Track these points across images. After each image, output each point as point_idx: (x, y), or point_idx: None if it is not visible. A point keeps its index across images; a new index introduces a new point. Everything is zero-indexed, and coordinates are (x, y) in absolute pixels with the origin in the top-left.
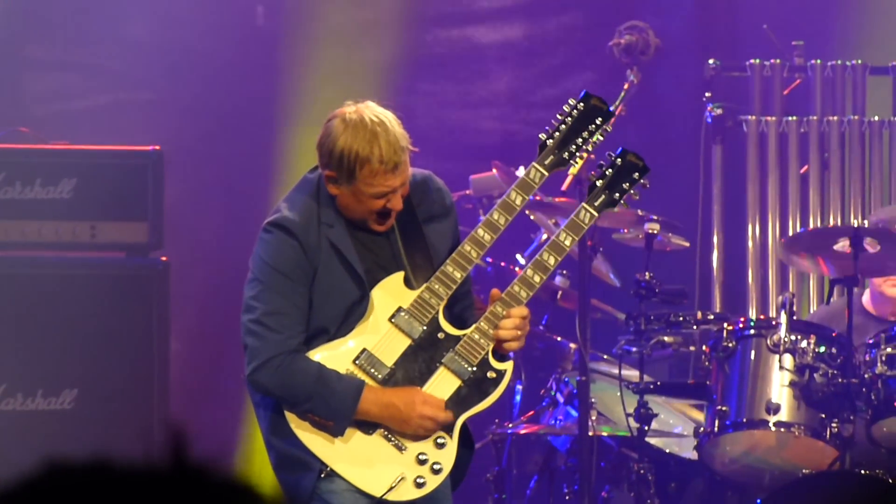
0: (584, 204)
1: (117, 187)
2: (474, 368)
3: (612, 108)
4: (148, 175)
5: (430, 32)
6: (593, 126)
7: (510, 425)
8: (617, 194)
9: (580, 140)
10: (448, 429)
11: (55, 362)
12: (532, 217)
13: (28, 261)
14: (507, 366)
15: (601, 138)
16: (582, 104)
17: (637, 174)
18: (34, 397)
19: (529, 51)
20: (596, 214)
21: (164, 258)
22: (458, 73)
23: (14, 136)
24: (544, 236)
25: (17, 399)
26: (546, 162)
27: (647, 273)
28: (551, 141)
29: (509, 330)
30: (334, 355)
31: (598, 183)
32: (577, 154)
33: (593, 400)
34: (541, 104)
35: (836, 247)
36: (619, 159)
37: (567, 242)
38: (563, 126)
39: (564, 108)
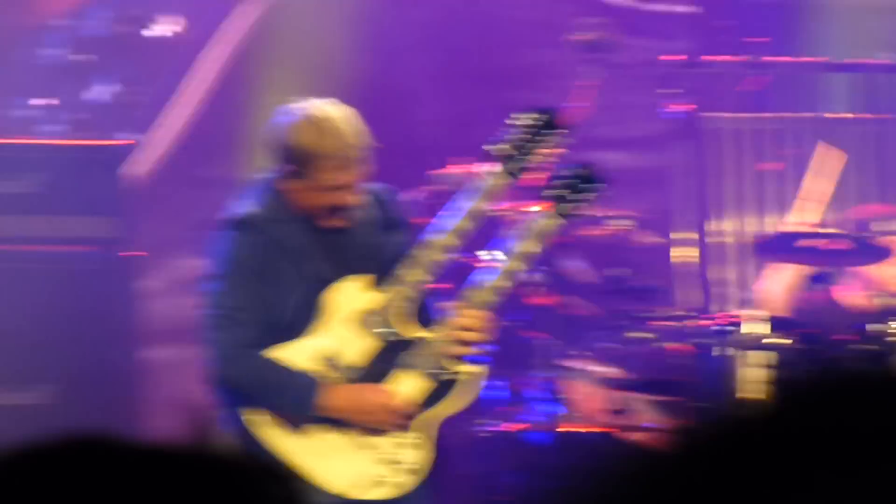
0: (539, 211)
1: (87, 181)
2: (438, 370)
3: (562, 123)
4: (119, 169)
5: None
6: (547, 137)
7: (486, 423)
8: (571, 205)
9: (534, 150)
10: (419, 429)
11: (25, 357)
12: (497, 212)
13: None
14: (471, 367)
15: (556, 150)
16: (535, 116)
17: (593, 184)
18: (3, 391)
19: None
20: (552, 223)
21: (134, 253)
22: None
23: None
24: (513, 232)
25: None
26: (502, 169)
27: (621, 269)
28: (503, 150)
29: (468, 332)
30: (295, 354)
31: (553, 192)
32: (531, 163)
33: (569, 396)
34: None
35: None
36: (576, 170)
37: (525, 248)
38: (518, 136)
39: (517, 119)
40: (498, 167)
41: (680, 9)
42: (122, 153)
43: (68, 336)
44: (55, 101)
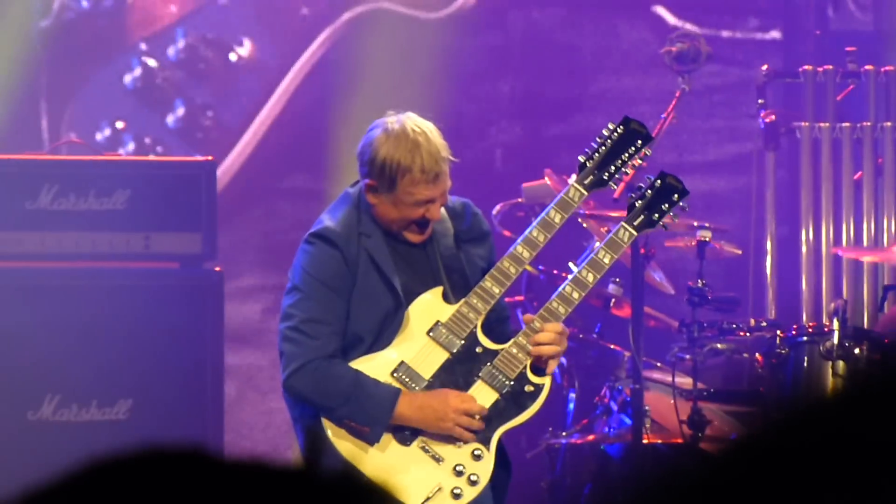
0: (623, 223)
1: (170, 198)
2: (512, 382)
3: (651, 133)
4: (201, 185)
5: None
6: (633, 149)
7: (564, 434)
8: (656, 215)
9: (619, 162)
10: (485, 441)
11: (110, 373)
12: (585, 225)
13: (82, 272)
14: (545, 380)
15: (641, 162)
16: (621, 128)
17: (676, 196)
18: (89, 408)
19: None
20: (635, 234)
21: (217, 268)
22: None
23: (67, 147)
24: (597, 244)
25: (71, 410)
26: (585, 182)
27: (699, 280)
28: (590, 162)
29: (545, 346)
30: (372, 366)
31: (638, 204)
32: (617, 175)
33: (647, 407)
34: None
35: None
36: (658, 181)
37: (606, 260)
38: (602, 148)
39: (604, 131)
40: (583, 178)
41: (763, 35)
42: (204, 170)
43: (151, 352)
44: (139, 122)
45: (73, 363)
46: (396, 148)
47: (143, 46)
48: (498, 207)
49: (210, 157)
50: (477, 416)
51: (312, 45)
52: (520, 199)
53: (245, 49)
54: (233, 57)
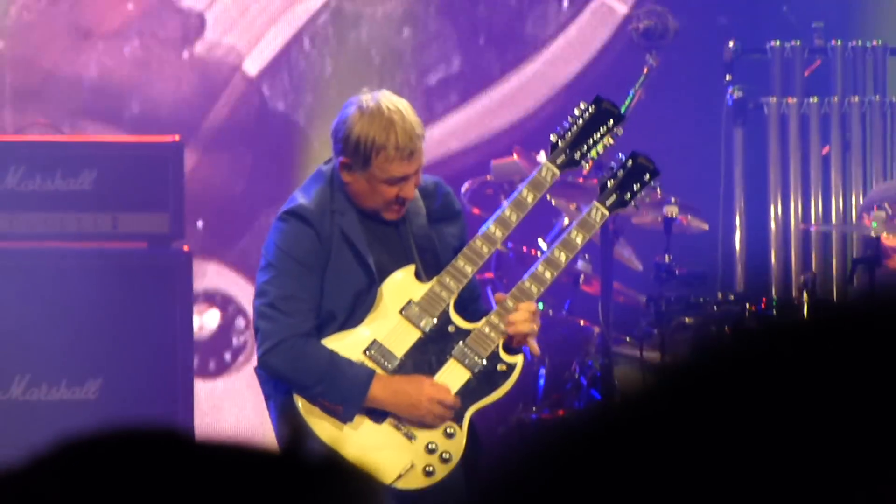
0: (595, 203)
1: (138, 178)
2: (484, 361)
3: (622, 112)
4: (168, 165)
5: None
6: (604, 128)
7: (534, 409)
8: (627, 195)
9: (591, 141)
10: (457, 419)
11: (79, 352)
12: (553, 202)
13: (50, 252)
14: (518, 359)
15: (612, 141)
16: (593, 107)
17: (647, 176)
18: (58, 387)
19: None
20: (607, 214)
21: (185, 248)
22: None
23: (33, 127)
24: (566, 221)
25: (41, 389)
26: (557, 161)
27: (666, 255)
28: (562, 141)
29: (518, 324)
30: (345, 345)
31: (609, 183)
32: (588, 154)
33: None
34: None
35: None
36: (629, 161)
37: (578, 240)
38: (574, 127)
39: (575, 110)
40: (555, 157)
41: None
42: (171, 150)
43: (120, 332)
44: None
45: (42, 343)
46: (371, 125)
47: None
48: (466, 185)
49: (177, 137)
50: (452, 405)
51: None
52: (488, 177)
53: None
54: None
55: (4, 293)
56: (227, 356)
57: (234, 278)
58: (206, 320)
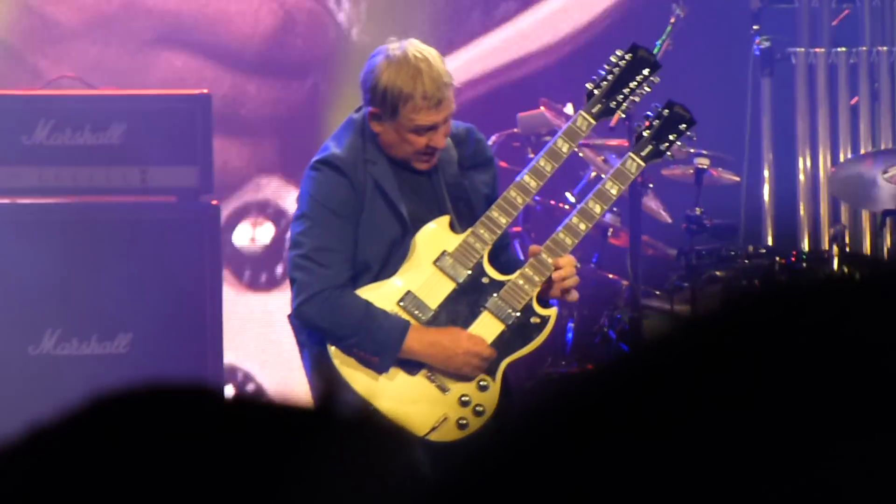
0: (630, 154)
1: (166, 131)
2: (518, 314)
3: (658, 59)
4: (196, 119)
5: None
6: (640, 77)
7: (563, 363)
8: (664, 145)
9: (627, 90)
10: (491, 372)
11: (109, 307)
12: (581, 154)
13: (79, 206)
14: (551, 312)
15: (648, 89)
16: (629, 55)
17: (683, 125)
18: (89, 342)
19: None
20: (643, 164)
21: (214, 202)
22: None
23: (62, 82)
24: (593, 174)
25: (72, 344)
26: (593, 110)
27: (697, 208)
28: (598, 90)
29: (568, 279)
30: (378, 295)
31: (645, 134)
32: (624, 103)
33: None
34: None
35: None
36: (665, 111)
37: (613, 191)
38: (610, 76)
39: (611, 58)
40: (591, 107)
41: None
42: (200, 103)
43: (150, 286)
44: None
45: (72, 298)
46: (398, 74)
47: None
48: (493, 138)
49: (205, 90)
50: (487, 356)
51: None
52: (515, 130)
53: None
54: None
55: (35, 248)
56: (279, 270)
57: (295, 195)
58: (258, 234)
